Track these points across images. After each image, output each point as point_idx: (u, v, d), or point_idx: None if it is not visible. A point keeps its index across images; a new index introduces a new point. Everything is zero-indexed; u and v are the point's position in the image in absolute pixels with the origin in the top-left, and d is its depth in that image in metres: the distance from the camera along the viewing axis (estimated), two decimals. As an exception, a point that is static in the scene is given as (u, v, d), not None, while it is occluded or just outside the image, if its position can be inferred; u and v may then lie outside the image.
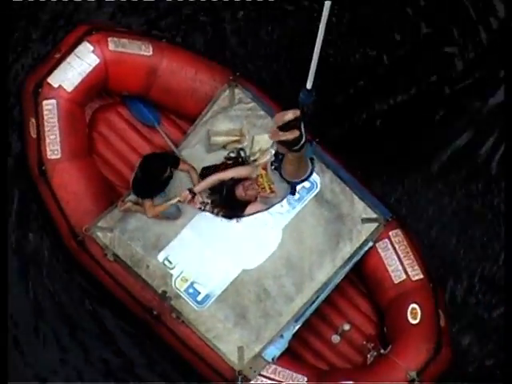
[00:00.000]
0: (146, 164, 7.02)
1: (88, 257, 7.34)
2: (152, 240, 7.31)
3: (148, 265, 7.30)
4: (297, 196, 7.39)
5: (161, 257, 7.31)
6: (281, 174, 5.56)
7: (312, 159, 5.41)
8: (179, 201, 7.05)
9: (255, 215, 6.84)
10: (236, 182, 6.83)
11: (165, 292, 7.26)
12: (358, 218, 7.49)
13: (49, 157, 7.34)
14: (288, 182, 5.87)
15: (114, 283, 7.33)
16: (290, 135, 4.56)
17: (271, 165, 6.01)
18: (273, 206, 6.67)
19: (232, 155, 7.48)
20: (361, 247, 7.48)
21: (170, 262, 7.31)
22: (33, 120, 7.35)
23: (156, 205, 7.15)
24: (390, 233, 7.52)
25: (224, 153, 7.45)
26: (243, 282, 7.29)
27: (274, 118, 4.59)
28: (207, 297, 7.28)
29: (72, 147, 7.43)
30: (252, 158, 7.41)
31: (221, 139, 7.46)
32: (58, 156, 7.35)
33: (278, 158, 5.59)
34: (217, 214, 7.03)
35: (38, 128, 7.30)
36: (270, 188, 6.51)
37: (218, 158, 7.40)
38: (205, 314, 7.26)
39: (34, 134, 7.37)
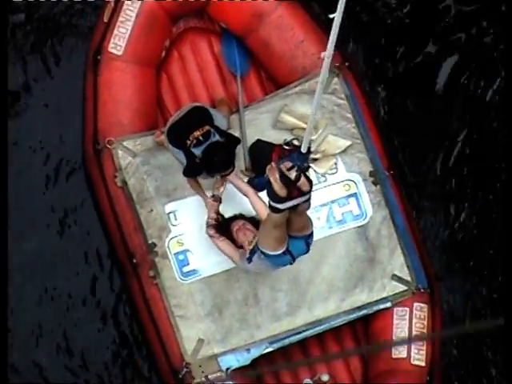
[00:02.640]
0: (210, 150, 5.98)
1: (98, 171, 6.52)
2: (169, 186, 6.46)
3: (152, 209, 6.45)
4: (340, 216, 6.48)
5: (169, 208, 6.45)
6: None
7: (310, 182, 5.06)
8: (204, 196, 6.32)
9: None
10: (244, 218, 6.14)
11: (154, 245, 6.42)
12: (389, 271, 6.53)
13: (109, 49, 6.51)
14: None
15: (110, 210, 6.52)
16: (278, 187, 4.84)
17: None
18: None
19: (295, 143, 6.56)
20: (377, 303, 6.53)
21: (175, 218, 6.45)
22: (111, 4, 6.53)
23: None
24: (415, 304, 6.53)
25: (287, 136, 6.53)
26: (238, 275, 6.39)
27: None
28: (194, 272, 6.41)
29: (138, 51, 6.57)
30: (312, 156, 6.51)
31: (291, 120, 6.53)
32: (119, 53, 6.50)
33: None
34: None
35: (113, 14, 6.49)
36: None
37: (278, 137, 6.45)
38: (182, 289, 6.39)
39: (106, 19, 6.55)
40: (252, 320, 6.41)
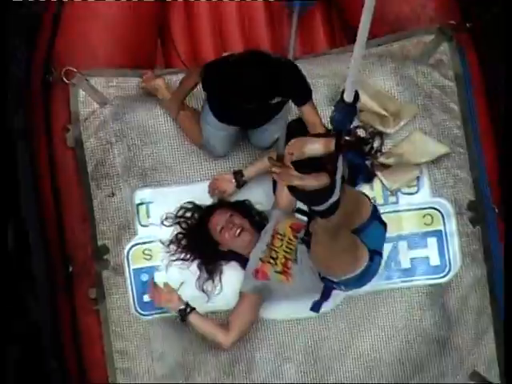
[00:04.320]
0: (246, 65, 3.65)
1: (41, 116, 4.12)
2: (147, 162, 4.06)
3: (114, 193, 4.05)
4: (407, 263, 4.03)
5: (140, 196, 4.06)
6: None
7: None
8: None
9: None
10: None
11: (106, 249, 4.03)
12: (469, 365, 4.04)
13: None
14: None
15: (48, 183, 4.10)
16: (309, 181, 2.78)
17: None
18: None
19: (359, 133, 4.10)
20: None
21: (148, 215, 4.06)
22: None
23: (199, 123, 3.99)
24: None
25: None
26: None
27: (287, 146, 2.94)
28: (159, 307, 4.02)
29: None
30: (382, 161, 4.04)
31: (362, 97, 4.03)
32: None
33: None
34: None
35: None
36: (285, 264, 3.80)
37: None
38: (136, 328, 4.00)
39: None
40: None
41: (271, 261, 3.83)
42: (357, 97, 2.41)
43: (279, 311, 4.03)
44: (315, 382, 4.03)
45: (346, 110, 2.44)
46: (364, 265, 3.41)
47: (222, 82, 3.66)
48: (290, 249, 3.80)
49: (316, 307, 3.87)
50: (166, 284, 3.82)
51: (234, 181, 3.98)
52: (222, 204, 4.01)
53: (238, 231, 3.91)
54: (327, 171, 2.77)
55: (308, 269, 3.70)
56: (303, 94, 3.73)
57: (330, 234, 3.14)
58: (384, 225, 3.56)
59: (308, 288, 3.80)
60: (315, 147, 2.91)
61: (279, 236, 3.86)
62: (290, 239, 3.83)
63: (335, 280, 3.48)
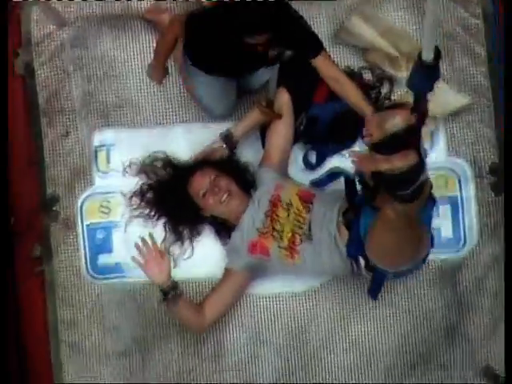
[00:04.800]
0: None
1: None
2: (109, 98, 3.41)
3: (69, 132, 3.40)
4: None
5: (100, 138, 3.42)
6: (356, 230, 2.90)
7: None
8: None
9: None
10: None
11: (55, 199, 3.38)
12: (481, 358, 3.40)
13: None
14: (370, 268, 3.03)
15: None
16: (398, 162, 2.35)
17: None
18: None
19: (365, 77, 3.45)
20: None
21: (108, 160, 3.41)
22: None
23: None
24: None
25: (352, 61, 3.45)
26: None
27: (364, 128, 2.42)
28: (116, 268, 3.38)
29: None
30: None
31: (368, 33, 3.39)
32: None
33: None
34: None
35: None
36: (291, 240, 3.15)
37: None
38: (88, 295, 3.37)
39: None
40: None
41: (275, 234, 3.17)
42: (438, 54, 2.13)
43: (259, 285, 3.39)
44: (298, 371, 3.39)
45: (426, 71, 2.15)
46: (426, 252, 2.97)
47: (214, 27, 3.03)
48: (299, 221, 3.15)
49: (373, 295, 3.20)
50: (155, 244, 3.09)
51: (224, 146, 3.35)
52: (203, 163, 3.35)
53: (225, 196, 3.25)
54: (413, 147, 2.39)
55: (328, 250, 3.08)
56: (311, 42, 3.09)
57: (407, 221, 2.62)
58: (434, 201, 2.97)
59: (319, 271, 3.19)
60: (397, 122, 2.44)
61: (284, 205, 3.20)
62: (298, 210, 3.17)
63: (390, 271, 2.94)
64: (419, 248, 2.89)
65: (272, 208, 3.22)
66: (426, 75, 2.16)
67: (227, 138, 3.36)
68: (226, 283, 3.24)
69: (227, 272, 3.25)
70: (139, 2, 3.52)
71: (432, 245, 3.08)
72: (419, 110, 2.32)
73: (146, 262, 3.04)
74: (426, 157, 2.49)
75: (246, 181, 3.36)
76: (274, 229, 3.18)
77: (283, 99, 3.30)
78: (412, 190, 2.47)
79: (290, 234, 3.15)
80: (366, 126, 2.51)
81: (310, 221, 3.14)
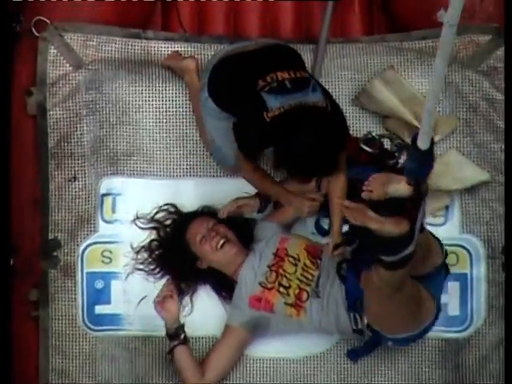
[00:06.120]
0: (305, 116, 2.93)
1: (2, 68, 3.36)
2: (120, 146, 3.33)
3: (76, 177, 3.32)
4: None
5: (107, 185, 3.34)
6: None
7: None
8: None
9: None
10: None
11: (57, 244, 3.30)
12: None
13: None
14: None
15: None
16: (389, 226, 2.47)
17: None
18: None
19: (384, 144, 3.35)
20: None
21: (113, 210, 3.34)
22: None
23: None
24: None
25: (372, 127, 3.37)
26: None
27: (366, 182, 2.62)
28: (114, 320, 3.30)
29: None
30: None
31: (389, 99, 3.31)
32: None
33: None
34: None
35: None
36: (298, 296, 3.09)
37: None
38: (82, 346, 3.28)
39: None
40: None
41: (281, 289, 3.09)
42: (433, 143, 2.22)
43: (256, 347, 3.31)
44: None
45: (421, 158, 2.23)
46: (429, 320, 2.96)
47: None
48: (307, 278, 3.08)
49: (353, 355, 3.22)
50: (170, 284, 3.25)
51: (258, 206, 3.28)
52: (204, 211, 3.28)
53: (222, 242, 3.18)
54: (409, 217, 2.49)
55: (335, 309, 3.03)
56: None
57: (394, 288, 2.73)
58: (447, 271, 3.00)
59: (324, 328, 3.11)
60: (401, 188, 2.54)
61: (291, 259, 3.12)
62: (305, 265, 3.11)
63: (390, 337, 2.94)
64: (416, 314, 2.89)
65: (278, 262, 3.15)
66: (420, 162, 2.25)
67: (263, 199, 3.27)
68: (226, 340, 3.17)
69: (227, 328, 3.18)
70: (159, 45, 3.45)
71: (437, 316, 3.02)
72: (419, 190, 2.44)
73: (161, 300, 3.14)
74: (421, 232, 2.56)
75: (245, 233, 3.29)
76: (280, 284, 3.11)
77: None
78: (396, 259, 2.56)
79: (297, 291, 3.08)
80: (369, 181, 2.61)
81: (318, 277, 3.08)
